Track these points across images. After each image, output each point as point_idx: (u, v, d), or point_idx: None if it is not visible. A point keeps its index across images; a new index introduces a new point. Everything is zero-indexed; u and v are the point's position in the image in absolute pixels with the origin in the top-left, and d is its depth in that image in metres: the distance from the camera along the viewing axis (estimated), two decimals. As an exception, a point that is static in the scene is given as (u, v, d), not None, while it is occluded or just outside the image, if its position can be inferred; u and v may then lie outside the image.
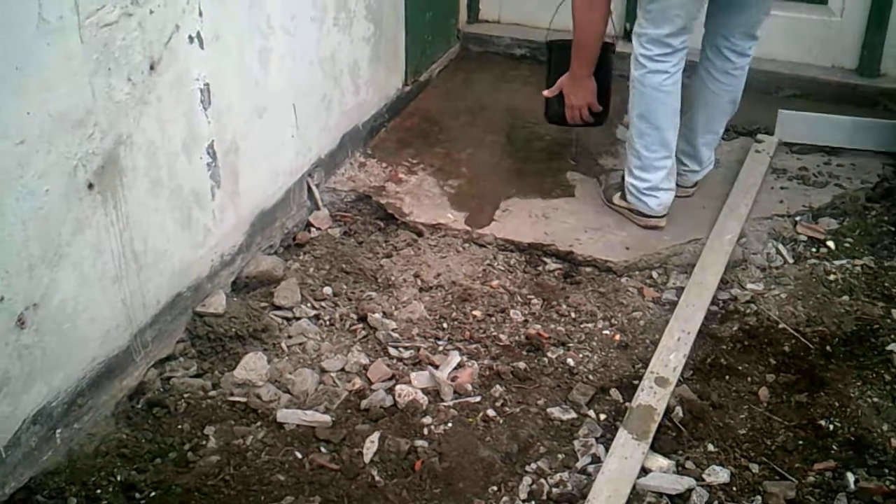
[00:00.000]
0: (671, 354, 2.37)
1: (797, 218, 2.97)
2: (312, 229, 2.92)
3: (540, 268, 2.79)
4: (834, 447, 2.15)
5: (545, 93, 3.02)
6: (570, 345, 2.47)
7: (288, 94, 2.80)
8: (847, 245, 2.86)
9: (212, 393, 2.27)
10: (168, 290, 2.34)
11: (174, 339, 2.38)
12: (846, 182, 3.18)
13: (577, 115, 2.96)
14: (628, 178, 2.89)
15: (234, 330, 2.40)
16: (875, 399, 2.28)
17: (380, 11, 3.32)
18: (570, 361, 2.41)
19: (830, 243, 2.86)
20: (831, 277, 2.70)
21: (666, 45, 2.71)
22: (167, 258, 2.32)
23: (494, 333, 2.50)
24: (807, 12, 3.76)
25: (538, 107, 3.22)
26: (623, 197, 2.94)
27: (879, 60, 3.72)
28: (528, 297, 2.65)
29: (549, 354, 2.43)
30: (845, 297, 2.62)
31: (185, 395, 2.24)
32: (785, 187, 3.15)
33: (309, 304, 2.58)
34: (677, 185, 2.95)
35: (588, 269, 2.77)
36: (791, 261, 2.80)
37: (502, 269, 2.77)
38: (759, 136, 3.39)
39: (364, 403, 2.23)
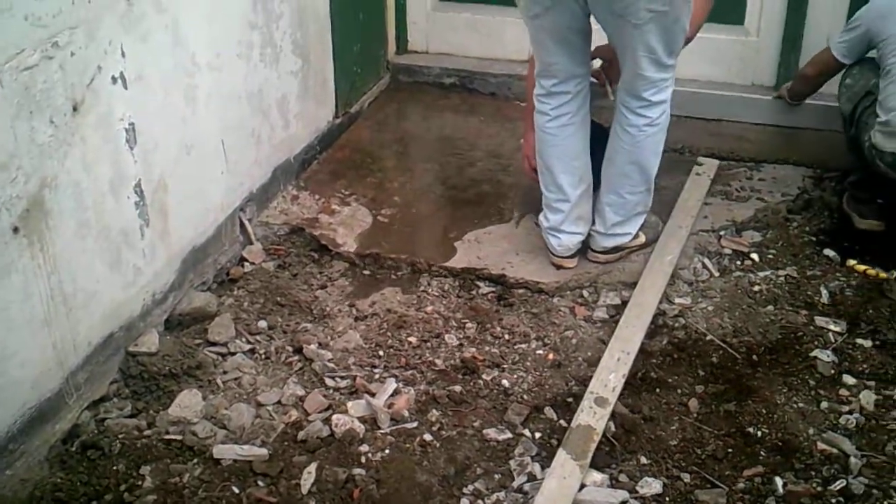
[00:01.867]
0: (611, 374, 2.40)
1: (721, 232, 3.05)
2: (246, 264, 2.93)
3: (474, 292, 2.82)
4: (762, 453, 2.21)
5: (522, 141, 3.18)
6: (505, 366, 2.51)
7: (216, 130, 2.81)
8: (770, 256, 2.95)
9: (147, 432, 2.26)
10: (100, 331, 2.34)
11: (107, 380, 2.37)
12: (768, 195, 3.28)
13: (524, 167, 3.06)
14: (541, 214, 2.91)
15: (167, 368, 2.39)
16: (800, 404, 2.35)
17: (307, 45, 3.35)
18: (505, 382, 2.44)
19: (754, 255, 2.94)
20: (756, 288, 2.78)
21: (542, 85, 2.75)
22: (97, 299, 2.31)
23: (430, 358, 2.52)
24: (724, 33, 3.86)
25: (468, 134, 3.27)
26: (537, 225, 2.98)
27: (795, 77, 3.85)
28: (463, 321, 2.68)
29: (484, 377, 2.46)
30: (770, 307, 2.70)
31: (120, 436, 2.23)
32: (709, 203, 3.23)
33: (244, 339, 2.58)
34: (590, 248, 2.90)
35: (521, 291, 2.81)
36: (717, 274, 2.87)
37: (436, 294, 2.80)
38: (700, 159, 3.44)
39: (301, 435, 2.24)
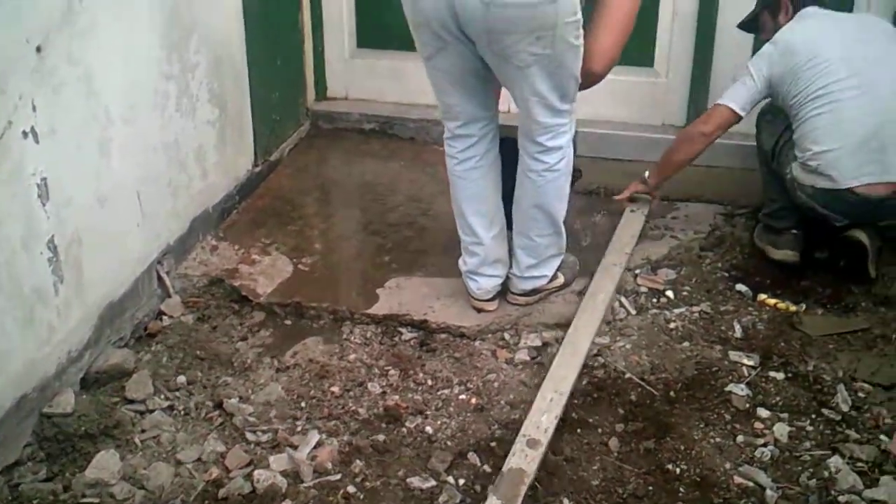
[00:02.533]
0: (543, 416, 2.40)
1: (637, 270, 3.12)
2: (164, 318, 2.89)
3: (396, 338, 2.83)
4: (681, 490, 2.25)
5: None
6: (428, 413, 2.51)
7: (131, 182, 2.79)
8: (685, 293, 3.02)
9: (63, 496, 2.20)
10: (12, 393, 2.28)
11: (21, 444, 2.30)
12: (681, 233, 3.36)
13: None
14: (461, 257, 2.92)
15: (84, 429, 2.34)
16: (717, 439, 2.41)
17: (224, 94, 3.35)
18: (429, 429, 2.45)
19: (669, 293, 3.01)
20: (671, 325, 2.84)
21: (447, 127, 2.77)
22: (9, 360, 2.26)
23: (353, 408, 2.52)
24: (635, 74, 3.97)
25: (388, 179, 3.29)
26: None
27: (705, 116, 3.96)
28: (386, 368, 2.68)
29: (407, 424, 2.46)
30: (685, 344, 2.76)
31: (35, 502, 2.17)
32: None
33: (162, 396, 2.54)
34: (509, 291, 2.92)
35: (443, 336, 2.83)
36: (633, 312, 2.92)
37: (359, 342, 2.80)
38: (634, 196, 3.42)
39: (222, 492, 2.21)
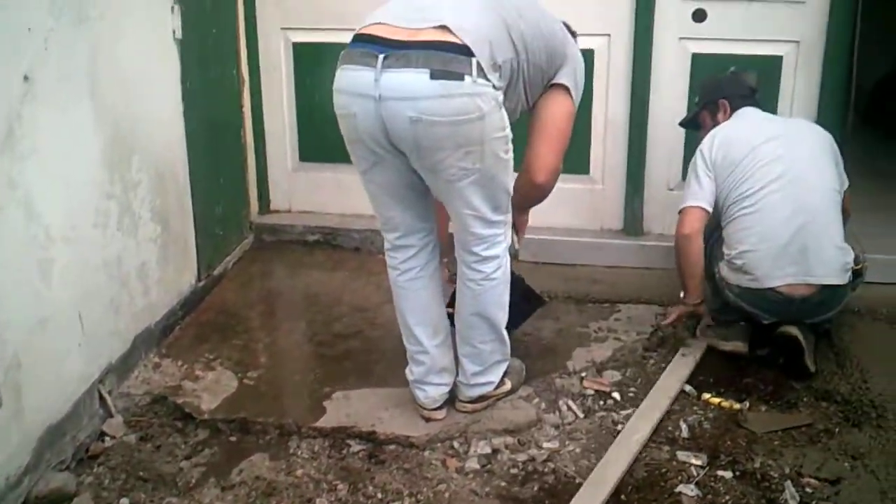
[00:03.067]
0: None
1: (583, 374, 3.14)
2: (106, 438, 2.82)
3: (345, 451, 2.79)
4: None
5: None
6: (379, 527, 2.47)
7: (72, 302, 2.76)
8: (631, 394, 3.04)
9: None
10: (-54, 524, 2.21)
11: (-43, 576, 2.22)
12: (624, 335, 3.41)
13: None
14: (408, 366, 2.91)
15: (22, 557, 2.27)
16: (669, 541, 2.40)
17: (166, 211, 3.36)
18: (380, 544, 2.41)
19: (616, 395, 3.03)
20: (619, 427, 2.85)
21: (386, 238, 2.80)
22: (-57, 489, 2.19)
23: (301, 525, 2.47)
24: (573, 182, 4.07)
25: (333, 290, 3.29)
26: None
27: (641, 221, 4.08)
28: (334, 482, 2.64)
29: (355, 541, 2.42)
30: (634, 445, 2.77)
31: None
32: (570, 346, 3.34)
33: (105, 519, 2.48)
34: (457, 398, 2.91)
35: (392, 447, 2.79)
36: (582, 416, 2.93)
37: (307, 456, 2.76)
38: (688, 343, 3.31)
39: None
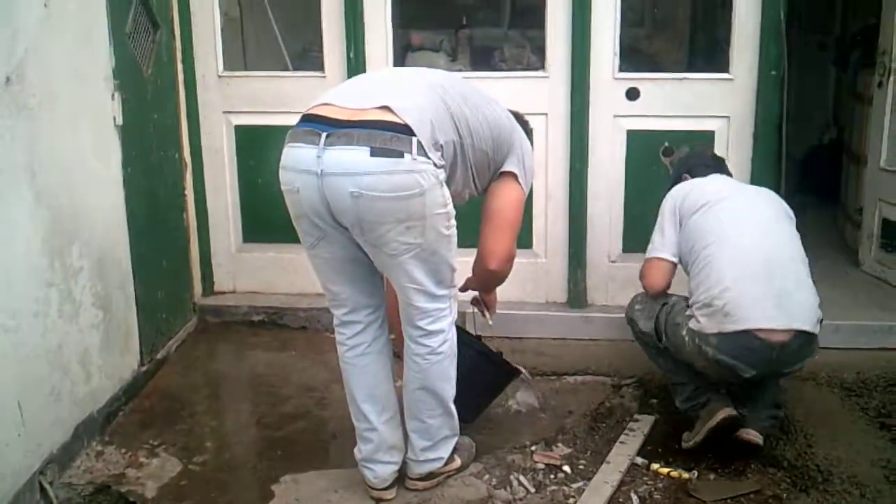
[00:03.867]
0: None
1: (533, 447, 3.14)
2: (48, 531, 2.75)
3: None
4: None
5: None
6: None
7: (12, 392, 2.70)
8: (581, 467, 3.04)
9: None
10: None
11: None
12: (572, 406, 3.43)
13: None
14: (356, 445, 2.87)
15: None
16: None
17: (108, 297, 3.32)
18: None
19: (566, 468, 3.03)
20: (570, 501, 2.85)
21: (334, 315, 2.80)
22: None
23: None
24: (517, 256, 4.12)
25: (280, 370, 3.25)
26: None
27: (585, 293, 4.13)
28: (284, 568, 2.60)
29: None
30: (586, 519, 2.77)
31: None
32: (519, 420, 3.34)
33: None
34: (406, 476, 2.88)
35: (343, 530, 2.77)
36: (533, 490, 2.92)
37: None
38: (637, 416, 3.33)
39: None
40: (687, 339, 3.03)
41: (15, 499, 2.68)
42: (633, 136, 4.06)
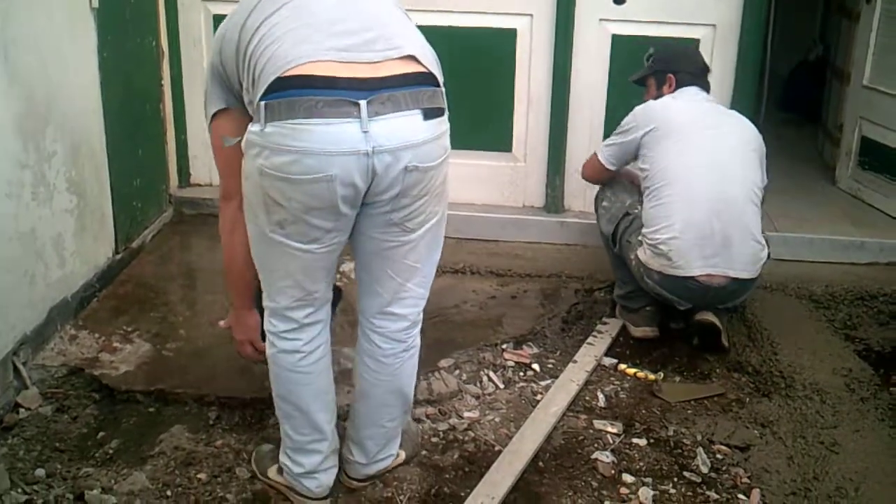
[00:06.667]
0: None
1: (503, 346, 3.19)
2: (21, 410, 2.76)
3: (264, 420, 2.78)
4: (553, 557, 2.28)
5: (220, 322, 2.63)
6: (299, 495, 2.47)
7: (-16, 272, 2.70)
8: (550, 366, 3.10)
9: None
10: None
11: None
12: (544, 308, 3.48)
13: (243, 352, 2.54)
14: (282, 458, 2.44)
15: (-68, 528, 2.22)
16: (585, 505, 2.46)
17: (82, 183, 3.29)
18: (300, 512, 2.40)
19: (535, 366, 3.09)
20: (538, 398, 2.91)
21: (289, 319, 2.27)
22: None
23: (221, 494, 2.45)
24: (495, 160, 4.15)
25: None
26: (280, 472, 2.47)
27: (562, 198, 4.14)
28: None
29: (278, 507, 2.42)
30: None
31: None
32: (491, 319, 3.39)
33: (20, 490, 2.42)
34: (345, 474, 2.51)
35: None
36: (502, 386, 2.98)
37: (226, 427, 2.75)
38: (605, 319, 3.39)
39: (83, 587, 2.11)
40: (634, 262, 3.18)
41: (-12, 378, 2.70)
42: (617, 40, 4.02)
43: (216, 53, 2.18)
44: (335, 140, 1.97)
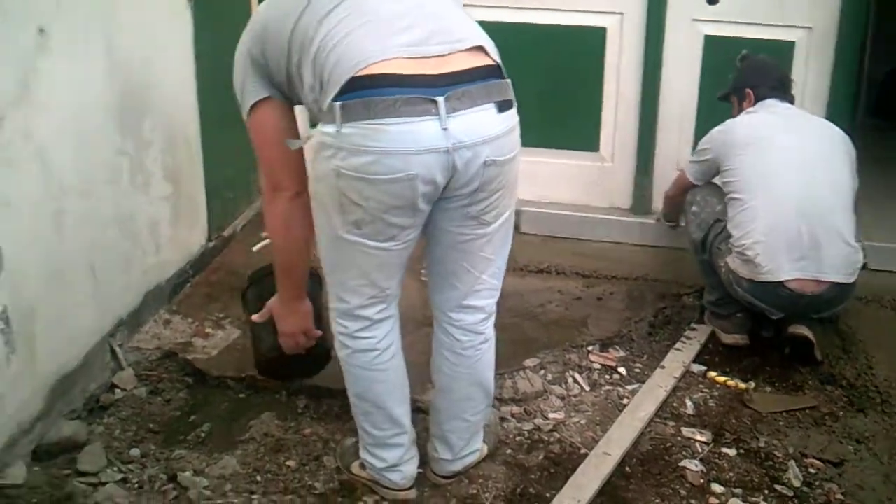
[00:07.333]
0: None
1: (589, 348, 3.16)
2: (117, 390, 2.84)
3: (351, 412, 2.80)
4: (641, 563, 2.26)
5: (254, 317, 2.53)
6: (385, 488, 2.48)
7: (85, 255, 2.77)
8: (637, 370, 3.07)
9: (12, 571, 2.14)
10: (-38, 465, 2.22)
11: (-31, 516, 2.24)
12: (631, 311, 3.44)
13: (292, 344, 2.46)
14: (364, 454, 2.45)
15: (35, 501, 2.29)
16: (673, 513, 2.43)
17: (178, 171, 3.36)
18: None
19: (622, 370, 3.06)
20: (625, 402, 2.88)
21: (362, 318, 2.27)
22: (-40, 431, 2.21)
23: (310, 482, 2.49)
24: (581, 159, 4.11)
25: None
26: (363, 467, 2.49)
27: (650, 199, 4.09)
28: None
29: (364, 498, 2.44)
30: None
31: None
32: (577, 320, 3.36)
33: (115, 468, 2.48)
34: (431, 471, 2.52)
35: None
36: (588, 388, 2.96)
37: (315, 416, 2.78)
38: (694, 325, 3.34)
39: (177, 567, 2.15)
40: (724, 269, 3.11)
41: (87, 358, 2.77)
42: (710, 41, 3.95)
43: (256, 44, 2.16)
44: (416, 139, 1.97)
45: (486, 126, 2.04)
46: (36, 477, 2.39)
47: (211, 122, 3.59)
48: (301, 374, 2.72)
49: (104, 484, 2.42)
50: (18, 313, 2.43)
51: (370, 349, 2.30)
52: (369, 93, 1.95)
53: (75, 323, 2.73)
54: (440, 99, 1.96)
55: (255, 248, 2.68)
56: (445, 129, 1.97)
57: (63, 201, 2.64)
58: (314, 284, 2.47)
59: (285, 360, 2.49)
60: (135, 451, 2.56)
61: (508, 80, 2.12)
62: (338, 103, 1.96)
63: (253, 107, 2.21)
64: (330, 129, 1.99)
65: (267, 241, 2.61)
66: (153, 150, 3.18)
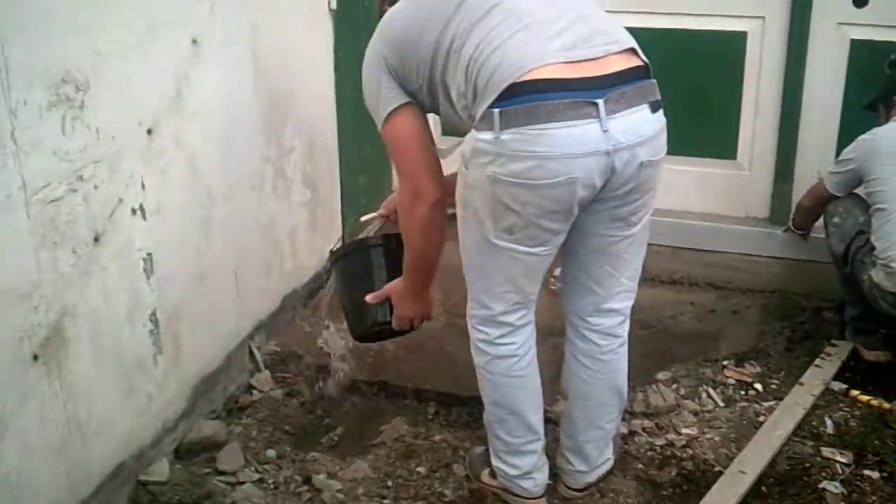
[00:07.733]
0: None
1: (724, 362, 3.09)
2: (254, 392, 2.94)
3: (482, 419, 2.82)
4: (777, 588, 2.19)
5: (368, 298, 2.54)
6: (514, 497, 2.49)
7: (229, 260, 2.87)
8: (773, 386, 2.98)
9: (156, 564, 2.24)
10: (111, 460, 2.33)
11: (117, 510, 2.36)
12: (767, 326, 3.35)
13: (406, 325, 2.54)
14: (496, 462, 2.44)
15: (177, 498, 2.39)
16: (812, 537, 2.35)
17: (316, 178, 3.45)
18: (515, 514, 2.42)
19: (758, 386, 2.98)
20: (761, 419, 2.80)
21: (504, 324, 2.28)
22: (111, 427, 2.32)
23: (439, 489, 2.52)
24: (717, 167, 4.00)
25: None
26: (493, 475, 2.49)
27: (789, 210, 3.96)
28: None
29: (494, 507, 2.46)
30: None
31: (129, 568, 2.21)
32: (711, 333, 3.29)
33: (252, 468, 2.57)
34: (564, 484, 2.51)
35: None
36: (722, 404, 2.89)
37: (444, 423, 2.81)
38: (834, 341, 3.22)
39: (312, 567, 2.21)
40: (867, 283, 2.97)
41: (227, 359, 2.88)
42: (856, 45, 3.78)
43: (393, 51, 2.18)
44: (578, 142, 1.97)
45: (643, 127, 2.05)
46: (178, 474, 2.49)
47: (347, 129, 3.67)
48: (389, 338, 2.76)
49: (242, 483, 2.51)
50: (166, 315, 2.54)
51: (510, 355, 2.30)
52: (530, 98, 1.96)
53: (217, 325, 2.84)
54: (600, 101, 1.97)
55: (363, 219, 2.76)
56: (606, 130, 1.98)
57: (210, 208, 2.75)
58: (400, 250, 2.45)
59: (387, 333, 2.60)
60: (271, 452, 2.65)
61: (655, 81, 2.12)
62: (496, 110, 1.97)
63: (390, 114, 2.23)
64: (487, 135, 1.99)
65: (375, 214, 2.68)
66: (294, 156, 3.27)
